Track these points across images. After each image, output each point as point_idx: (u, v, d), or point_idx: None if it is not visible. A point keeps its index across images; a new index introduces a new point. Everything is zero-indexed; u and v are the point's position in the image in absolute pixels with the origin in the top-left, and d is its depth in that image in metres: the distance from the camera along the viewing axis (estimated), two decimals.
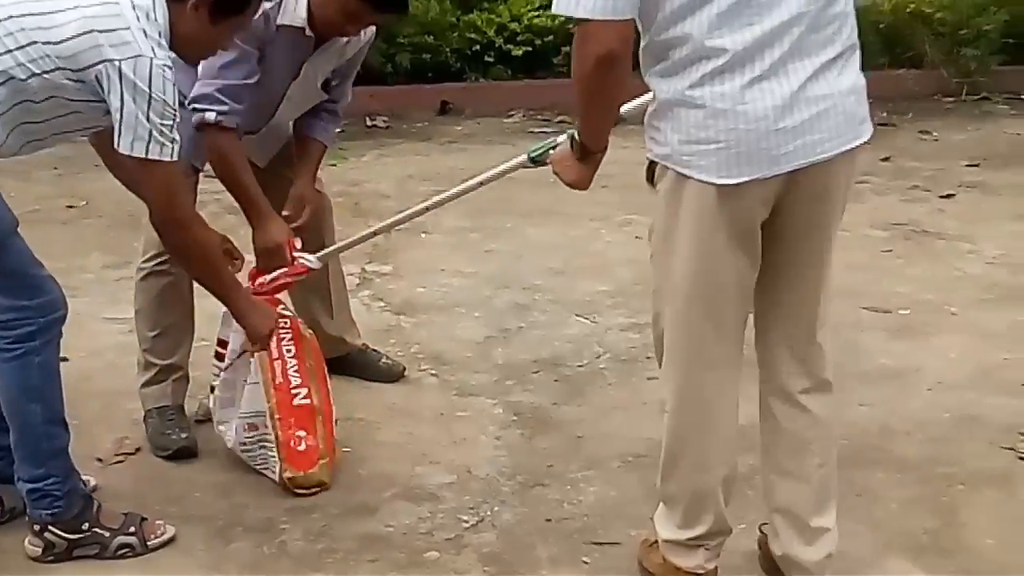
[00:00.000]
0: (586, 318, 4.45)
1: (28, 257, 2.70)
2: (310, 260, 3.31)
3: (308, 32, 3.20)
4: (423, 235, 5.41)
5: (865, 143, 2.35)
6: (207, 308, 3.50)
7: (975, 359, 4.02)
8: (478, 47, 8.58)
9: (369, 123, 7.99)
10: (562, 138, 2.61)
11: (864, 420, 3.50)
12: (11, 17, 2.53)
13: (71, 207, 5.82)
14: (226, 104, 3.10)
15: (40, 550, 2.81)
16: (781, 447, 2.57)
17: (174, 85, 2.59)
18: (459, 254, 5.20)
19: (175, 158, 2.63)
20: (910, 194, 6.21)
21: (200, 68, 3.10)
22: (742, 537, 2.78)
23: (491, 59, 8.61)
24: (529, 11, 8.61)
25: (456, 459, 3.34)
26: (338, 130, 3.66)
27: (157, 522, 2.93)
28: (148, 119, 2.54)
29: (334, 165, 6.80)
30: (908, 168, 6.70)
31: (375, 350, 3.92)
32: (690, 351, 2.43)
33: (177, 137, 2.62)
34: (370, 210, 5.90)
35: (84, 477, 3.08)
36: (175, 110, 2.60)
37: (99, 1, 2.55)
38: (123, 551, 2.85)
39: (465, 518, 3.05)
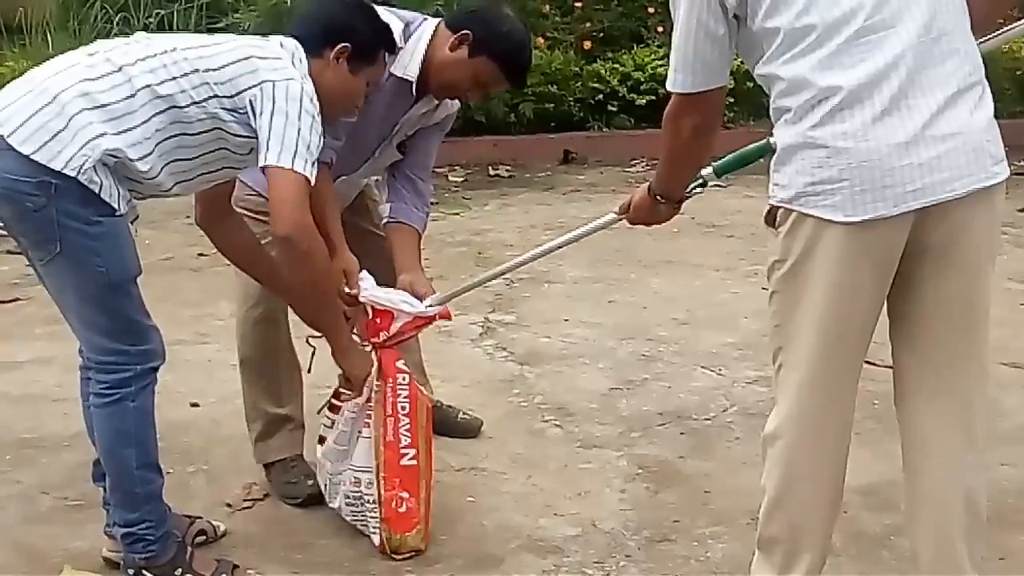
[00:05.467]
0: (712, 370, 4.39)
1: (139, 305, 2.75)
2: (423, 308, 3.15)
3: (413, 90, 3.17)
4: (546, 285, 5.40)
5: (1001, 184, 2.27)
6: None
7: None
8: (601, 96, 8.61)
9: (492, 172, 8.06)
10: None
11: (1006, 481, 3.37)
12: (176, 49, 2.69)
13: (202, 255, 5.93)
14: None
15: None
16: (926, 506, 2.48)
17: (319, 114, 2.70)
18: (582, 304, 5.17)
19: (312, 180, 2.67)
20: None
21: None
22: None
23: (614, 108, 8.62)
24: (653, 60, 8.61)
25: (581, 512, 3.30)
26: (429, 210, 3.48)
27: (248, 571, 2.95)
28: (299, 133, 2.63)
29: (457, 214, 6.87)
30: None
31: (450, 406, 3.81)
32: (812, 386, 2.38)
33: (315, 161, 2.68)
34: (493, 259, 5.88)
35: (214, 523, 3.13)
36: (321, 135, 2.69)
37: (257, 41, 2.79)
38: None
39: (590, 572, 3.00)
